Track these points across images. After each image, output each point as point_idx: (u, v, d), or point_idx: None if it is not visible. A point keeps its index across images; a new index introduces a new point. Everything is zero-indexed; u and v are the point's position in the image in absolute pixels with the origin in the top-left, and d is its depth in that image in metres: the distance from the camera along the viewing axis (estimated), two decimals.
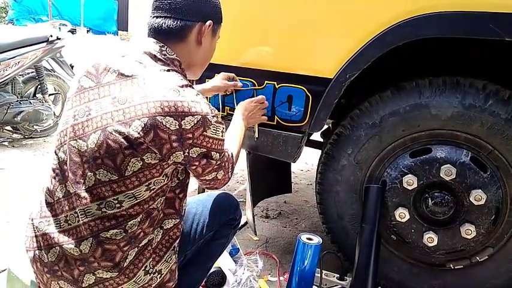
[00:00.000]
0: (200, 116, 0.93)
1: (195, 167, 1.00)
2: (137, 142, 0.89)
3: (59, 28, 3.54)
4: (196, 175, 1.04)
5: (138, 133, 0.89)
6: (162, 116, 0.89)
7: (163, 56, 1.02)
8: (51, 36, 3.12)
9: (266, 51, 1.48)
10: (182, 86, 0.94)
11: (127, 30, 16.44)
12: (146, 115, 0.89)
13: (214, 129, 0.97)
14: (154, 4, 1.06)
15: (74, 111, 0.97)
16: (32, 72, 3.27)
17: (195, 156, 0.97)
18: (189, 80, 1.07)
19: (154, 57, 1.01)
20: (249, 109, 1.42)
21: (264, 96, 1.47)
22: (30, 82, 3.29)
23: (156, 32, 1.04)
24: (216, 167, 1.03)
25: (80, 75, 1.02)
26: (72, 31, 12.16)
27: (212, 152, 0.99)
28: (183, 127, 0.91)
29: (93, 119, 0.93)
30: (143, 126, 0.89)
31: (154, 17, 1.05)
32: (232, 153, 1.14)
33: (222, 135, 1.01)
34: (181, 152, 0.94)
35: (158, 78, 0.94)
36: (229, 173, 1.11)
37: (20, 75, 3.16)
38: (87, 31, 14.38)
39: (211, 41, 1.13)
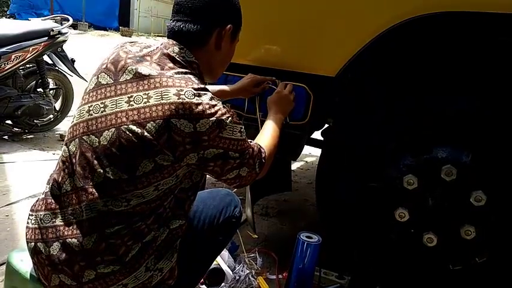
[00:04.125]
0: (215, 118, 0.92)
1: (211, 167, 0.98)
2: (151, 144, 0.89)
3: (61, 23, 3.52)
4: (216, 176, 1.02)
5: (152, 135, 0.89)
6: (176, 118, 0.89)
7: (181, 58, 1.02)
8: (53, 30, 3.11)
9: (268, 49, 1.48)
10: (198, 89, 0.94)
11: (128, 26, 16.44)
12: (161, 117, 0.89)
13: (230, 130, 0.96)
14: (175, 8, 1.06)
15: (89, 106, 0.98)
16: (33, 67, 3.25)
17: (210, 157, 0.96)
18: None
19: (172, 59, 1.01)
20: (280, 101, 1.38)
21: (291, 84, 1.42)
22: (31, 76, 3.28)
23: (176, 36, 1.04)
24: (235, 165, 1.01)
25: (98, 71, 1.02)
26: (74, 26, 12.17)
27: (230, 152, 0.98)
28: (197, 130, 0.91)
29: (107, 116, 0.93)
30: (157, 128, 0.89)
31: (174, 20, 1.06)
32: (260, 148, 1.11)
33: (240, 135, 1.00)
34: (195, 154, 0.93)
35: (175, 80, 0.94)
36: (257, 169, 1.07)
37: (21, 69, 3.15)
38: (89, 26, 14.38)
39: (230, 45, 1.13)
